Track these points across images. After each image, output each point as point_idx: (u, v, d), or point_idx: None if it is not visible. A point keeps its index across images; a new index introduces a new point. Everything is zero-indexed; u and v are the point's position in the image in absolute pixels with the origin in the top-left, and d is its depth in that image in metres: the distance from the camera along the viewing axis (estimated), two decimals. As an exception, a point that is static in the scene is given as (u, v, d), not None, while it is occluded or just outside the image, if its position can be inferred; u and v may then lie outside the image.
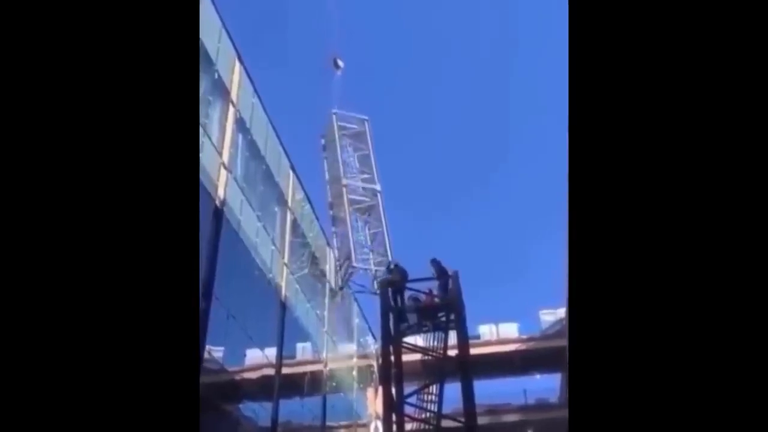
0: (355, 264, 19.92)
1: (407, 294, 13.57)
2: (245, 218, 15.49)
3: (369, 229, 21.85)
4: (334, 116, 22.33)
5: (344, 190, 20.93)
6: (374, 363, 29.22)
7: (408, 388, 13.05)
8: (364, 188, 21.95)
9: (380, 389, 18.89)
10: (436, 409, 13.24)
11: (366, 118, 23.23)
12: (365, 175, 22.12)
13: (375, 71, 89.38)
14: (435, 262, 13.62)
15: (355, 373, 27.13)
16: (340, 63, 23.62)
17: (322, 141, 22.98)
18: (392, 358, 12.58)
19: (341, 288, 22.29)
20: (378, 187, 21.97)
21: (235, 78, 15.59)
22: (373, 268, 20.30)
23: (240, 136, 15.87)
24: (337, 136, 21.88)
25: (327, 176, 22.42)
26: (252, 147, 16.81)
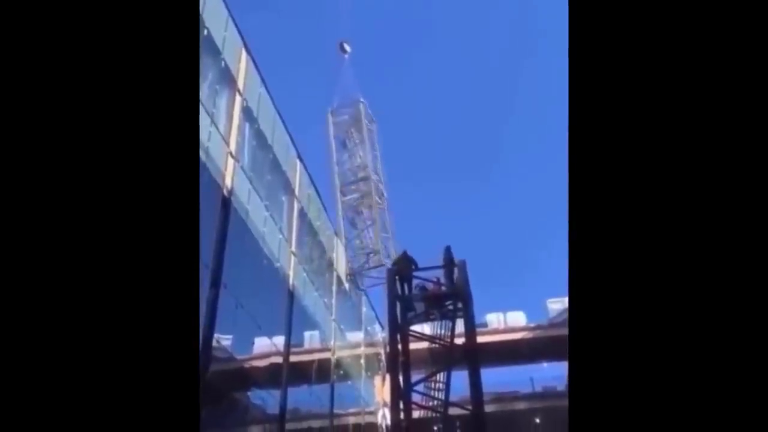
0: (385, 261, 19.84)
1: (415, 282, 13.59)
2: (253, 207, 15.53)
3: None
4: (361, 105, 21.90)
5: (373, 185, 20.70)
6: (382, 351, 29.35)
7: (415, 376, 13.12)
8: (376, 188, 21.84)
9: (388, 377, 18.98)
10: (443, 397, 13.31)
11: (372, 117, 22.94)
12: (374, 176, 22.00)
13: (378, 60, 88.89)
14: (447, 250, 13.61)
15: (362, 361, 27.27)
16: (347, 47, 23.15)
17: (330, 116, 22.40)
18: (399, 346, 12.63)
19: (349, 275, 22.26)
20: (384, 192, 21.81)
21: (242, 67, 15.57)
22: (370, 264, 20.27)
23: (247, 126, 15.88)
24: (364, 126, 21.58)
25: (335, 158, 22.01)
26: (259, 136, 16.82)
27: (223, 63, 14.39)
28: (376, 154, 22.45)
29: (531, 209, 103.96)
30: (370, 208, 20.89)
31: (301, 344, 20.37)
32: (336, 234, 23.50)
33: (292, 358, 17.76)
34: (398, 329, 12.77)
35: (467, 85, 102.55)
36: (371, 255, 20.50)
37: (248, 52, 15.95)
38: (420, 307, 13.41)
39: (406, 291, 13.37)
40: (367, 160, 21.48)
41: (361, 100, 22.08)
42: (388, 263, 19.20)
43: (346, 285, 24.86)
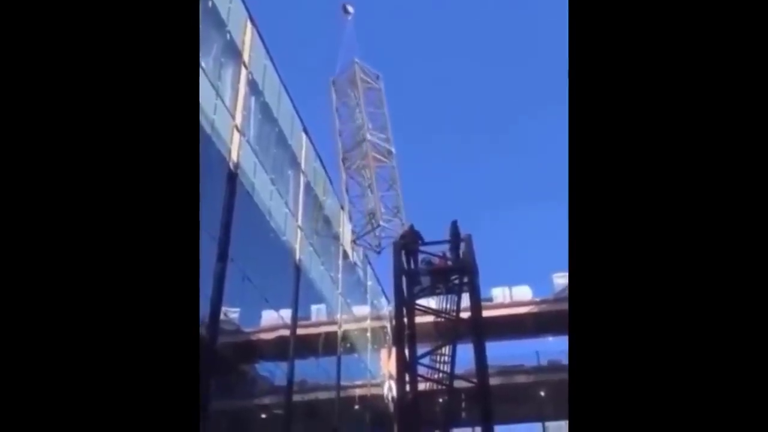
0: (382, 222, 19.59)
1: (421, 257, 13.61)
2: (259, 181, 15.53)
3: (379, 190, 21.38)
4: (356, 65, 21.34)
5: (368, 146, 20.28)
6: (387, 324, 29.58)
7: (421, 349, 13.21)
8: (379, 147, 21.36)
9: (393, 350, 19.14)
10: (448, 370, 13.43)
11: (378, 73, 22.32)
12: (381, 135, 21.58)
13: (384, 22, 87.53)
14: (454, 225, 13.59)
15: (368, 334, 27.52)
16: (350, 9, 22.57)
17: (332, 85, 21.92)
18: (405, 319, 12.70)
19: (354, 241, 22.02)
20: (393, 149, 21.45)
21: (247, 39, 15.41)
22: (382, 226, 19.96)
23: (252, 99, 15.79)
24: (360, 86, 21.03)
25: (338, 126, 21.59)
26: (265, 109, 16.73)
27: (228, 35, 14.25)
28: (384, 111, 21.95)
29: (539, 182, 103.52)
30: (372, 168, 20.51)
31: (308, 317, 20.53)
32: (342, 207, 23.45)
33: (299, 331, 17.93)
34: (404, 303, 12.81)
35: (480, 44, 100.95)
36: (372, 216, 20.22)
37: (253, 23, 15.77)
38: (426, 281, 13.44)
39: (412, 265, 13.39)
40: (364, 120, 21.00)
41: (356, 60, 21.41)
42: (396, 222, 19.09)
43: (352, 255, 24.83)
